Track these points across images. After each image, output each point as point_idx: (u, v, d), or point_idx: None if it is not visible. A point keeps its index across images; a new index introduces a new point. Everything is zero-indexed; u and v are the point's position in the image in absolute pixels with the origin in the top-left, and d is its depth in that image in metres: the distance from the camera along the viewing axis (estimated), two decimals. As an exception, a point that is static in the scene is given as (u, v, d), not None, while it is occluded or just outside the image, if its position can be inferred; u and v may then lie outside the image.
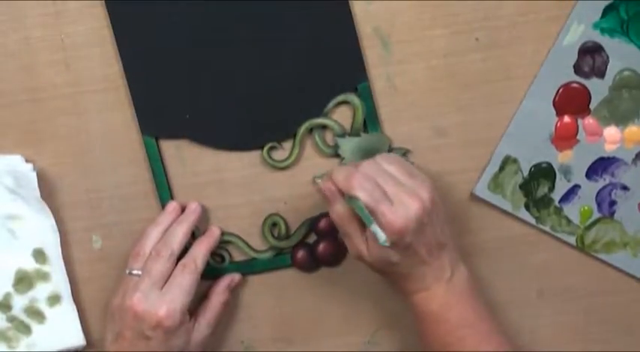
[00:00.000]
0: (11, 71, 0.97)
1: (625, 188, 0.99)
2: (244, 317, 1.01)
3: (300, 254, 1.00)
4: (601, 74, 0.98)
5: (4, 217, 0.97)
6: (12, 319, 0.98)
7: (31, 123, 0.98)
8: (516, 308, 1.01)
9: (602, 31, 0.97)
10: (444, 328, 0.90)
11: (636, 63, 0.97)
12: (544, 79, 0.97)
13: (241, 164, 0.99)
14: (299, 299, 1.01)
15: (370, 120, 0.98)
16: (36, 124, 0.98)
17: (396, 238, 0.87)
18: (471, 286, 0.91)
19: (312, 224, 0.99)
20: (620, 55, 0.97)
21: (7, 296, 0.98)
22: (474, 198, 0.99)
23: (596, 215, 1.00)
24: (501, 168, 0.99)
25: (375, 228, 0.86)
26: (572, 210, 0.99)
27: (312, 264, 1.00)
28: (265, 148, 0.98)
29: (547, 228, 1.00)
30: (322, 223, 0.99)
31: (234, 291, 1.00)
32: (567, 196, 0.99)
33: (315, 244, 1.00)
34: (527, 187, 0.99)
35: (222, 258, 1.00)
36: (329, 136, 0.99)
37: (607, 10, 0.96)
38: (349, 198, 0.88)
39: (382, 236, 0.86)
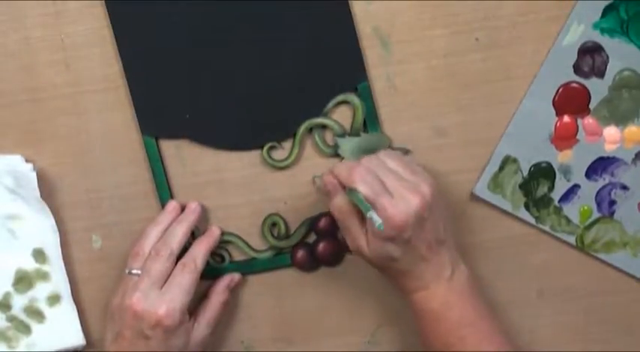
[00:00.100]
0: (11, 71, 0.97)
1: (625, 188, 0.99)
2: (244, 317, 1.01)
3: (300, 254, 1.00)
4: (601, 74, 0.98)
5: (4, 217, 0.97)
6: (12, 319, 0.98)
7: (31, 123, 0.98)
8: (516, 308, 1.01)
9: (602, 31, 0.97)
10: (445, 327, 0.90)
11: (636, 63, 0.97)
12: (544, 79, 0.97)
13: (241, 164, 0.99)
14: (299, 299, 1.01)
15: (370, 120, 0.98)
16: (36, 124, 0.98)
17: (396, 232, 0.87)
18: (471, 285, 0.91)
19: (311, 224, 1.00)
20: (620, 55, 0.97)
21: (7, 295, 0.98)
22: (474, 198, 0.99)
23: (596, 215, 1.00)
24: (501, 168, 0.99)
25: (371, 213, 0.86)
26: (571, 210, 0.99)
27: (312, 263, 1.00)
28: (265, 148, 0.98)
29: (547, 228, 1.00)
30: (322, 223, 0.99)
31: (234, 291, 1.00)
32: (567, 196, 0.99)
33: (314, 244, 1.00)
34: (527, 187, 0.99)
35: (222, 258, 1.00)
36: (329, 136, 0.99)
37: (607, 10, 0.96)
38: (350, 191, 0.88)
39: (378, 220, 0.86)
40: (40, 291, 0.98)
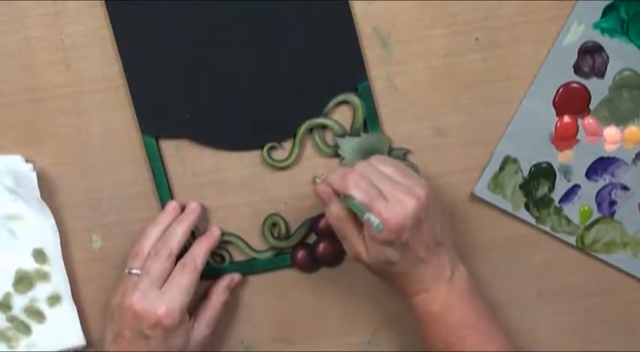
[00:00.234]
0: (11, 71, 0.97)
1: (625, 188, 0.99)
2: (244, 317, 1.01)
3: (300, 254, 1.00)
4: (601, 74, 0.98)
5: (4, 217, 0.97)
6: (12, 319, 0.98)
7: (31, 123, 0.98)
8: (516, 309, 1.01)
9: (602, 31, 0.97)
10: (445, 329, 0.90)
11: (636, 63, 0.97)
12: (544, 79, 0.97)
13: (241, 164, 0.99)
14: (299, 299, 1.01)
15: (370, 120, 0.98)
16: (36, 124, 0.98)
17: (394, 236, 0.87)
18: (471, 286, 0.91)
19: (312, 224, 0.99)
20: (620, 55, 0.97)
21: (7, 296, 0.98)
22: (474, 198, 0.99)
23: (596, 215, 1.00)
24: (501, 168, 0.99)
25: (368, 215, 0.86)
26: (572, 210, 0.99)
27: (312, 264, 1.00)
28: (265, 148, 0.98)
29: (547, 228, 1.00)
30: (322, 223, 0.99)
31: (234, 291, 1.00)
32: (567, 196, 0.99)
33: (315, 244, 1.00)
34: (527, 187, 0.99)
35: (222, 258, 1.00)
36: (329, 136, 0.99)
37: (607, 10, 0.96)
38: (344, 198, 0.88)
39: (376, 220, 0.86)
40: (40, 291, 0.98)
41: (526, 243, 1.00)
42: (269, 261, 1.00)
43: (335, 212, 0.90)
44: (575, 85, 0.98)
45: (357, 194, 0.87)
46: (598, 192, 0.99)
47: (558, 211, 0.99)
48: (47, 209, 0.97)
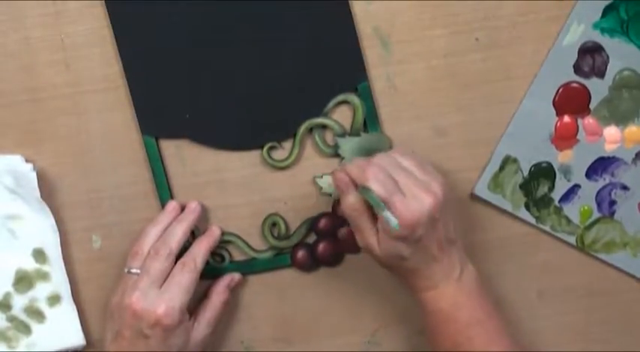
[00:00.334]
0: (11, 71, 0.97)
1: (625, 188, 0.99)
2: (244, 317, 1.01)
3: (300, 254, 1.00)
4: (601, 74, 0.98)
5: (4, 217, 0.97)
6: (12, 319, 0.98)
7: (31, 123, 0.98)
8: (516, 309, 1.01)
9: (602, 31, 0.97)
10: (454, 327, 0.90)
11: (636, 63, 0.97)
12: (544, 79, 0.97)
13: (241, 164, 0.99)
14: (299, 299, 1.01)
15: (370, 120, 0.98)
16: (36, 124, 0.98)
17: (408, 231, 0.87)
18: (479, 285, 0.91)
19: (312, 224, 0.99)
20: (620, 55, 0.97)
21: (7, 295, 0.98)
22: (474, 198, 0.99)
23: (596, 215, 1.00)
24: (501, 168, 0.99)
25: (386, 213, 0.86)
26: (572, 210, 0.99)
27: (312, 263, 1.00)
28: (265, 148, 0.98)
29: (547, 228, 1.00)
30: (322, 223, 0.99)
31: (234, 291, 1.00)
32: (567, 196, 0.99)
33: (315, 244, 1.00)
34: (527, 187, 0.99)
35: (222, 258, 1.00)
36: (329, 136, 0.99)
37: (607, 10, 0.96)
38: (362, 189, 0.88)
39: (394, 220, 0.86)
40: (40, 291, 0.98)
41: (526, 243, 1.00)
42: (269, 261, 1.00)
43: (351, 202, 0.90)
44: (575, 84, 0.98)
45: (376, 186, 0.87)
46: (598, 192, 0.99)
47: (558, 211, 0.99)
48: (47, 209, 0.97)
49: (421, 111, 0.98)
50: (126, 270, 0.94)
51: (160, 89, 0.97)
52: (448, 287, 0.90)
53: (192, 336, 0.95)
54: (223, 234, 0.99)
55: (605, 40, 0.97)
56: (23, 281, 0.98)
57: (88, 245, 0.99)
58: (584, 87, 0.98)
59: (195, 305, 0.97)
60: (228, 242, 1.00)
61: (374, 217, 0.89)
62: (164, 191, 0.98)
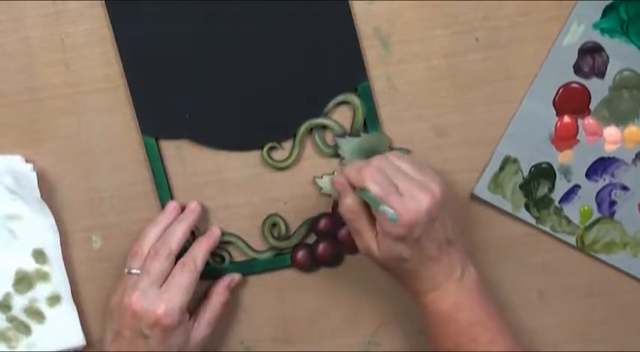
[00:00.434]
0: (11, 71, 0.97)
1: (625, 188, 0.99)
2: (244, 317, 1.01)
3: (300, 254, 1.00)
4: (601, 74, 0.98)
5: (4, 217, 0.97)
6: (12, 319, 0.98)
7: (31, 123, 0.98)
8: (517, 309, 1.01)
9: (602, 31, 0.97)
10: (456, 328, 0.90)
11: (636, 63, 0.97)
12: (544, 79, 0.97)
13: (241, 164, 0.99)
14: (299, 299, 1.01)
15: (370, 120, 0.98)
16: (36, 124, 0.98)
17: (407, 231, 0.87)
18: (480, 286, 0.91)
19: (312, 224, 0.99)
20: (620, 55, 0.97)
21: (7, 296, 0.98)
22: (474, 198, 0.99)
23: (596, 215, 1.00)
24: (501, 168, 0.99)
25: (384, 207, 0.86)
26: (572, 210, 0.99)
27: (312, 264, 1.00)
28: (265, 148, 0.98)
29: (547, 228, 1.00)
30: (322, 223, 0.99)
31: (234, 291, 1.00)
32: (567, 196, 0.99)
33: (315, 244, 1.00)
34: (527, 187, 0.99)
35: (222, 258, 1.00)
36: (329, 136, 0.99)
37: (607, 10, 0.97)
38: (360, 191, 0.88)
39: (391, 212, 0.85)
40: (40, 292, 0.98)
41: (526, 243, 1.00)
42: (269, 261, 1.00)
43: (349, 205, 0.90)
44: (575, 84, 0.98)
45: (373, 187, 0.87)
46: (598, 193, 0.99)
47: (558, 211, 0.99)
48: (47, 209, 0.97)
49: (421, 111, 0.98)
50: (126, 270, 0.94)
51: (160, 89, 0.97)
52: (449, 288, 0.90)
53: (192, 336, 0.95)
54: (223, 234, 0.99)
55: (605, 40, 0.97)
56: (23, 281, 0.98)
57: (88, 245, 0.99)
58: (584, 87, 0.98)
59: (195, 305, 0.97)
60: (229, 242, 1.00)
61: (373, 220, 0.89)
62: (164, 191, 0.98)
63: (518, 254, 1.00)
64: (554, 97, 0.98)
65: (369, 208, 0.89)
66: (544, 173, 0.99)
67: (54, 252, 0.98)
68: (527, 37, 0.97)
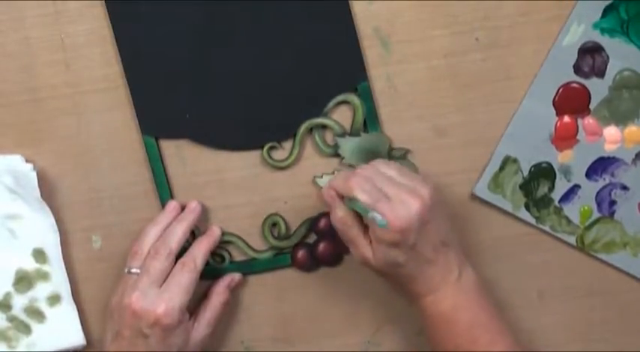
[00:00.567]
0: (11, 71, 0.97)
1: (625, 188, 0.99)
2: (244, 317, 1.01)
3: (300, 254, 1.00)
4: (601, 74, 0.98)
5: (4, 217, 0.97)
6: (12, 319, 0.98)
7: (31, 123, 0.98)
8: (516, 309, 1.01)
9: (602, 31, 0.97)
10: (455, 329, 0.90)
11: (636, 63, 0.97)
12: (544, 79, 0.97)
13: (241, 164, 0.99)
14: (299, 299, 1.01)
15: (370, 120, 0.98)
16: (36, 124, 0.98)
17: (399, 237, 0.87)
18: (479, 286, 0.91)
19: (312, 224, 1.00)
20: (620, 55, 0.97)
21: (7, 295, 0.98)
22: (474, 198, 0.99)
23: (596, 215, 1.00)
24: (501, 168, 0.99)
25: (372, 213, 0.86)
26: (572, 210, 0.99)
27: (312, 263, 1.00)
28: (265, 148, 0.98)
29: (547, 228, 1.00)
30: (322, 223, 0.99)
31: (234, 291, 1.00)
32: (567, 196, 0.99)
33: (315, 244, 1.00)
34: (527, 187, 0.99)
35: (222, 258, 1.00)
36: (329, 136, 0.99)
37: (607, 10, 0.96)
38: (349, 201, 0.88)
39: (380, 218, 0.86)
40: (41, 291, 0.98)
41: (526, 243, 1.00)
42: (269, 261, 1.00)
43: (340, 216, 0.90)
44: (575, 84, 0.98)
45: (362, 196, 0.87)
46: (598, 192, 0.99)
47: (558, 211, 0.99)
48: (47, 209, 0.97)
49: (421, 111, 0.98)
50: (126, 270, 0.94)
51: (160, 89, 0.97)
52: (447, 289, 0.90)
53: (192, 336, 0.95)
54: (223, 234, 0.99)
55: (605, 40, 0.97)
56: (23, 281, 0.98)
57: (88, 245, 0.99)
58: (584, 87, 0.98)
59: (195, 305, 0.97)
60: (229, 242, 1.00)
61: (365, 228, 0.90)
62: (164, 191, 0.98)
63: (518, 254, 1.00)
64: (554, 97, 0.98)
65: (360, 217, 0.89)
66: (544, 173, 0.99)
67: (54, 251, 0.98)
68: (527, 37, 0.97)
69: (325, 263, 1.00)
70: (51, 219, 0.97)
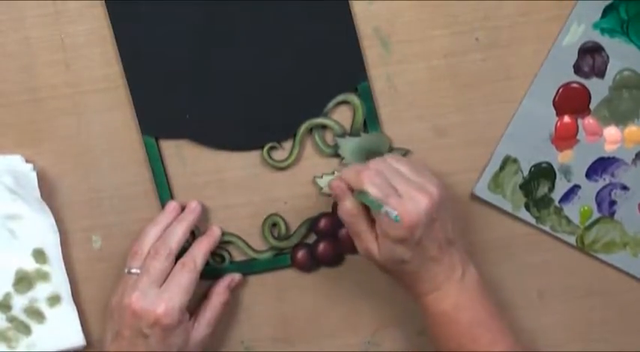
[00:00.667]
0: (11, 71, 0.97)
1: (625, 188, 0.99)
2: (244, 317, 1.01)
3: (300, 254, 1.00)
4: (601, 74, 0.98)
5: (4, 217, 0.97)
6: (12, 319, 0.98)
7: (31, 123, 0.98)
8: (516, 309, 1.01)
9: (602, 31, 0.97)
10: (457, 328, 0.90)
11: (636, 63, 0.97)
12: (544, 79, 0.97)
13: (241, 164, 0.99)
14: (299, 299, 1.01)
15: (370, 120, 0.98)
16: (36, 124, 0.98)
17: (407, 233, 0.87)
18: (481, 286, 0.91)
19: (312, 224, 0.99)
20: (620, 55, 0.97)
21: (7, 296, 0.98)
22: (474, 198, 0.99)
23: (596, 215, 1.00)
24: (501, 168, 0.99)
25: (385, 208, 0.86)
26: (572, 210, 0.99)
27: (312, 264, 1.00)
28: (265, 148, 0.98)
29: (547, 228, 1.00)
30: (322, 223, 0.99)
31: (234, 291, 0.99)
32: (567, 196, 0.99)
33: (315, 244, 1.00)
34: (527, 187, 0.99)
35: (222, 258, 1.00)
36: (329, 136, 0.99)
37: (607, 10, 0.97)
38: (359, 194, 0.88)
39: (394, 212, 0.85)
40: (40, 292, 0.98)
41: (526, 243, 1.00)
42: (269, 261, 1.00)
43: (348, 208, 0.90)
44: (575, 84, 0.98)
45: (372, 190, 0.87)
46: (598, 192, 0.99)
47: (558, 211, 0.99)
48: (47, 209, 0.97)
49: (421, 111, 0.98)
50: (126, 270, 0.94)
51: (160, 89, 0.97)
52: (450, 288, 0.90)
53: (192, 336, 0.95)
54: (223, 234, 0.99)
55: (605, 40, 0.97)
56: (23, 281, 0.98)
57: (88, 245, 0.99)
58: (584, 87, 0.98)
59: (195, 305, 0.97)
60: (229, 242, 1.00)
61: (372, 222, 0.90)
62: (164, 191, 0.98)
63: (518, 254, 1.00)
64: (554, 97, 0.98)
65: (368, 211, 0.89)
66: (544, 173, 0.99)
67: (54, 251, 0.98)
68: (527, 37, 0.97)
69: (325, 263, 1.00)
70: (51, 219, 0.97)
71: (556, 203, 0.99)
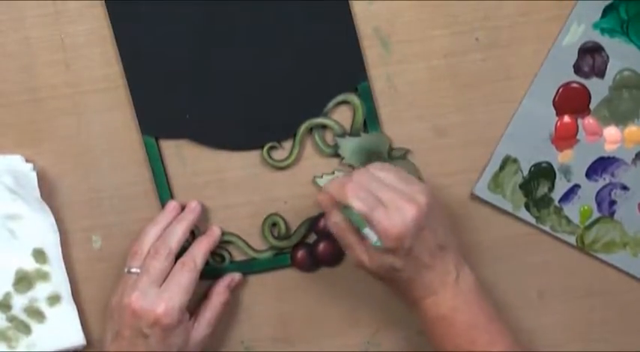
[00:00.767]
0: (11, 71, 0.97)
1: (625, 188, 0.99)
2: (244, 317, 1.01)
3: (300, 254, 1.00)
4: (601, 74, 0.98)
5: (4, 217, 0.97)
6: (12, 319, 0.98)
7: (31, 123, 0.98)
8: (516, 309, 1.01)
9: (602, 31, 0.97)
10: (454, 331, 0.90)
11: (636, 63, 0.97)
12: (544, 79, 0.97)
13: (241, 164, 0.99)
14: (299, 299, 1.01)
15: (370, 120, 0.98)
16: (36, 124, 0.98)
17: (395, 244, 0.86)
18: (477, 287, 0.91)
19: (312, 224, 0.99)
20: (620, 55, 0.97)
21: (7, 295, 0.98)
22: (474, 198, 0.99)
23: (596, 215, 1.00)
24: (501, 168, 0.99)
25: (366, 230, 0.86)
26: (572, 210, 0.99)
27: (312, 264, 1.00)
28: (265, 148, 0.98)
29: (547, 228, 1.00)
30: (322, 223, 0.99)
31: (234, 291, 1.00)
32: (567, 196, 0.99)
33: (315, 244, 1.00)
34: (527, 187, 0.99)
35: (222, 258, 1.00)
36: (329, 136, 0.99)
37: (607, 10, 0.96)
38: (344, 208, 0.88)
39: (374, 237, 0.86)
40: (40, 291, 0.98)
41: (526, 242, 1.00)
42: (269, 261, 1.00)
43: (336, 222, 0.90)
44: (575, 84, 0.98)
45: (356, 204, 0.87)
46: (598, 192, 0.99)
47: (558, 211, 0.99)
48: (47, 209, 0.97)
49: (421, 111, 0.98)
50: (126, 270, 0.94)
51: (160, 89, 0.97)
52: (446, 292, 0.90)
53: (192, 336, 0.95)
54: (223, 234, 0.99)
55: (605, 40, 0.97)
56: (23, 281, 0.98)
57: (88, 245, 0.99)
58: (584, 87, 0.98)
59: (195, 305, 0.97)
60: (229, 242, 1.00)
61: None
62: (164, 191, 0.98)
63: (518, 254, 1.00)
64: (554, 97, 0.98)
65: None
66: (544, 173, 0.99)
67: (54, 251, 0.98)
68: (527, 37, 0.97)
69: (325, 263, 1.00)
70: (51, 219, 0.97)
71: (556, 203, 0.99)
